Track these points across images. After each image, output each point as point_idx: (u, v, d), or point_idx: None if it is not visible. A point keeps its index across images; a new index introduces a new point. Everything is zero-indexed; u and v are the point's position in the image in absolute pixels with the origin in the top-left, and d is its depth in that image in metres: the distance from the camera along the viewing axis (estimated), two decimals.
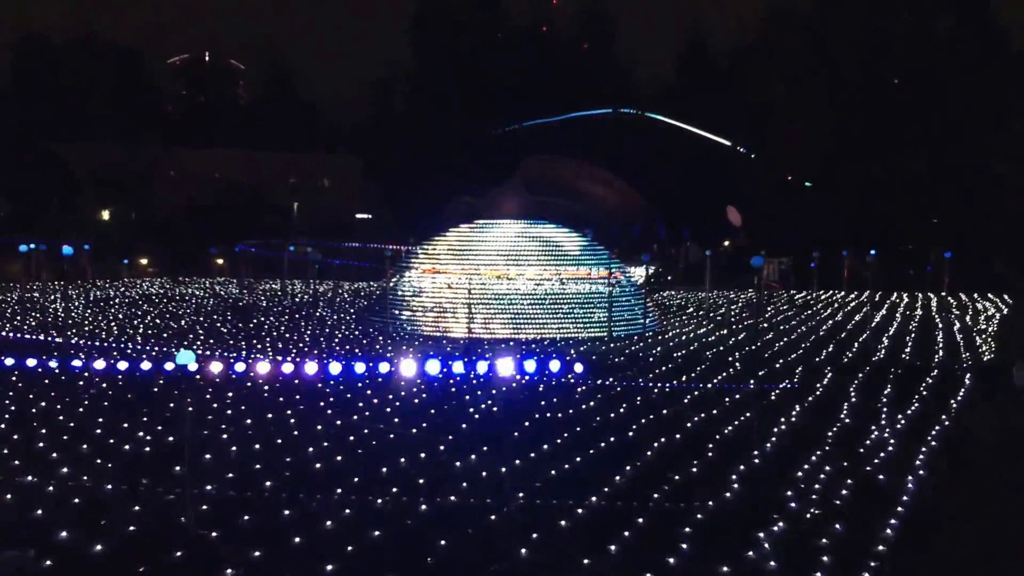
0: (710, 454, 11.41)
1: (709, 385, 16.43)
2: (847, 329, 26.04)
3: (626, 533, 8.45)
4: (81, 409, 13.60)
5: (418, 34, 74.12)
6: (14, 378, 15.62)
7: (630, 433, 12.50)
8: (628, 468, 10.66)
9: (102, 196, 59.67)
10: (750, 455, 11.27)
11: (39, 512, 8.86)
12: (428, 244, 26.28)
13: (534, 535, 8.37)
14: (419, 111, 69.33)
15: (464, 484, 9.95)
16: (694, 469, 10.71)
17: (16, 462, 10.55)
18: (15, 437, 11.75)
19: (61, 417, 13.00)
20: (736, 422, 13.26)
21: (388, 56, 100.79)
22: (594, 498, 9.49)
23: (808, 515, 9.04)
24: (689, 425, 13.06)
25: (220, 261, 47.85)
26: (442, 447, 11.58)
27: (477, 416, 13.51)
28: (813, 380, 17.00)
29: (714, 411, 14.06)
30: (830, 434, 12.54)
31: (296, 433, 12.25)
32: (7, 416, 13.00)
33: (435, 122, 66.56)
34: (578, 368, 16.55)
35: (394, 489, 9.71)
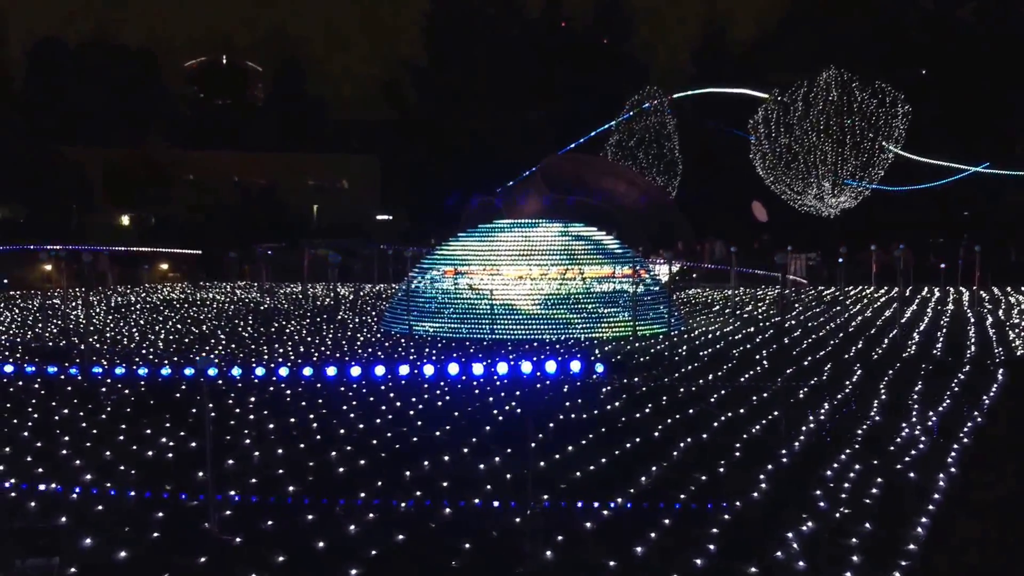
0: (737, 454, 11.26)
1: (735, 383, 16.24)
2: (876, 325, 25.73)
3: (652, 534, 8.33)
4: (104, 416, 13.63)
5: (432, 31, 74.23)
6: (36, 385, 15.71)
7: (655, 433, 12.37)
8: (654, 468, 10.53)
9: (119, 200, 60.14)
10: (778, 454, 11.11)
11: (63, 519, 8.85)
12: (448, 245, 26.20)
13: (559, 537, 8.26)
14: (434, 109, 69.33)
15: (488, 487, 9.86)
16: (721, 469, 10.57)
17: (39, 469, 10.57)
18: (38, 444, 11.78)
19: (84, 424, 13.03)
20: (763, 421, 13.09)
21: (402, 54, 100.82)
22: (619, 499, 9.37)
23: (837, 514, 8.87)
24: (715, 424, 12.91)
25: (241, 265, 48.09)
26: (465, 449, 11.49)
27: (500, 418, 13.42)
28: (842, 377, 16.78)
29: (740, 410, 13.89)
30: (859, 432, 12.34)
31: (319, 437, 12.21)
32: (30, 423, 13.04)
33: (451, 120, 66.57)
34: (600, 368, 16.41)
35: (417, 492, 9.64)
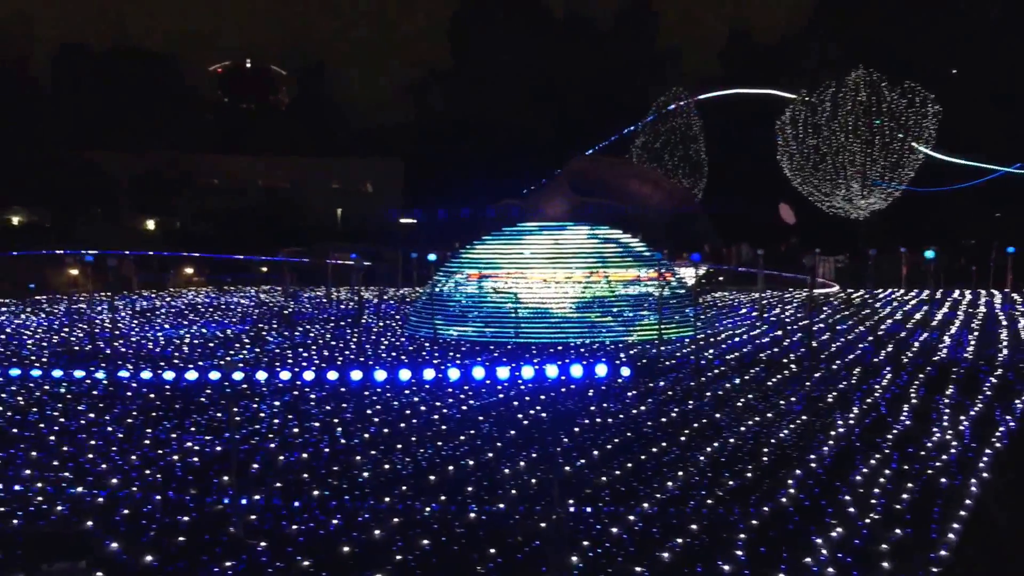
0: (765, 458, 11.12)
1: (763, 387, 16.08)
2: (906, 328, 25.42)
3: (679, 539, 8.23)
4: (129, 420, 13.70)
5: (457, 33, 74.38)
6: (62, 389, 15.84)
7: (682, 437, 12.25)
8: (680, 472, 10.43)
9: (143, 205, 60.66)
10: (807, 458, 10.96)
11: (89, 523, 8.88)
12: (472, 248, 26.17)
13: (585, 542, 8.18)
14: (458, 111, 69.45)
15: (513, 491, 9.80)
16: (748, 473, 10.45)
17: (65, 473, 10.63)
18: (64, 448, 11.86)
19: (109, 428, 13.10)
20: (792, 424, 12.93)
21: (427, 56, 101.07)
22: (646, 504, 9.27)
23: (867, 519, 8.73)
24: (743, 428, 12.77)
25: (264, 269, 48.32)
26: (490, 453, 11.44)
27: (526, 422, 13.35)
28: (872, 380, 16.57)
29: (768, 413, 13.74)
30: (890, 436, 12.16)
31: (343, 441, 12.21)
32: (56, 427, 13.13)
33: (476, 122, 66.65)
34: (625, 372, 16.29)
35: (442, 496, 9.60)
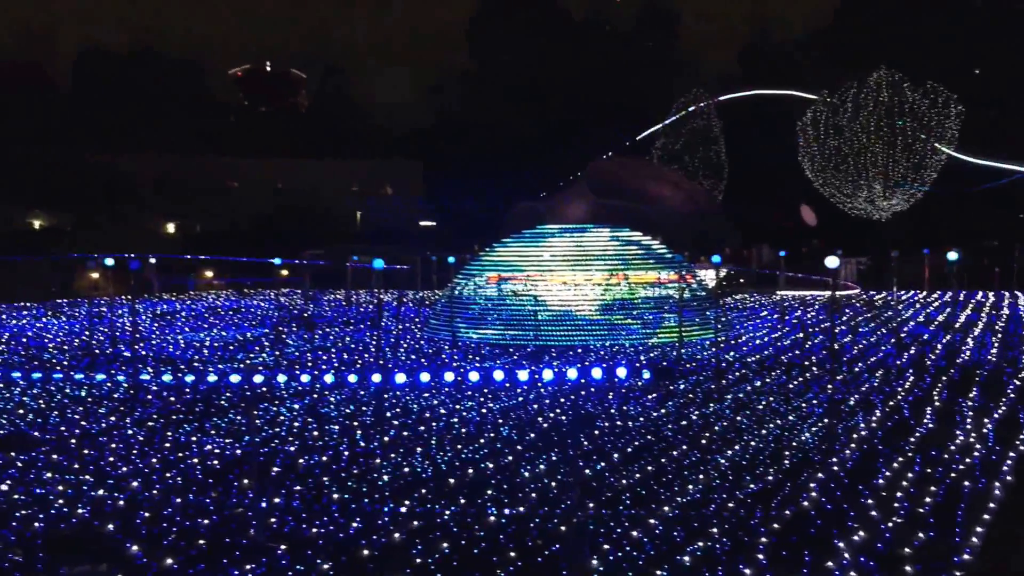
0: (787, 462, 11.03)
1: (785, 389, 15.97)
2: (929, 330, 25.19)
3: (700, 543, 8.17)
4: (150, 422, 13.76)
5: (476, 34, 74.39)
6: (83, 392, 15.94)
7: (703, 440, 12.18)
8: (701, 476, 10.36)
9: (166, 208, 61.00)
10: (829, 461, 10.86)
11: (110, 526, 8.92)
12: (492, 251, 26.15)
13: (606, 545, 8.14)
14: (477, 113, 69.45)
15: (533, 494, 9.76)
16: (770, 476, 10.37)
17: (87, 476, 10.69)
18: (85, 451, 11.92)
19: (130, 431, 13.17)
20: (814, 427, 12.83)
21: (445, 58, 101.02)
22: (666, 507, 9.22)
23: (890, 523, 8.64)
24: (764, 431, 12.68)
25: (284, 272, 48.44)
26: (510, 456, 11.40)
27: (546, 424, 13.31)
28: (895, 383, 16.42)
29: (790, 416, 13.64)
30: (913, 439, 12.04)
31: (363, 444, 12.21)
32: (77, 430, 13.21)
33: (494, 124, 66.63)
34: (646, 374, 16.24)
35: (462, 500, 9.58)
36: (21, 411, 14.58)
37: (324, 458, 11.45)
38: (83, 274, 41.59)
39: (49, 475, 10.72)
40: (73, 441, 12.53)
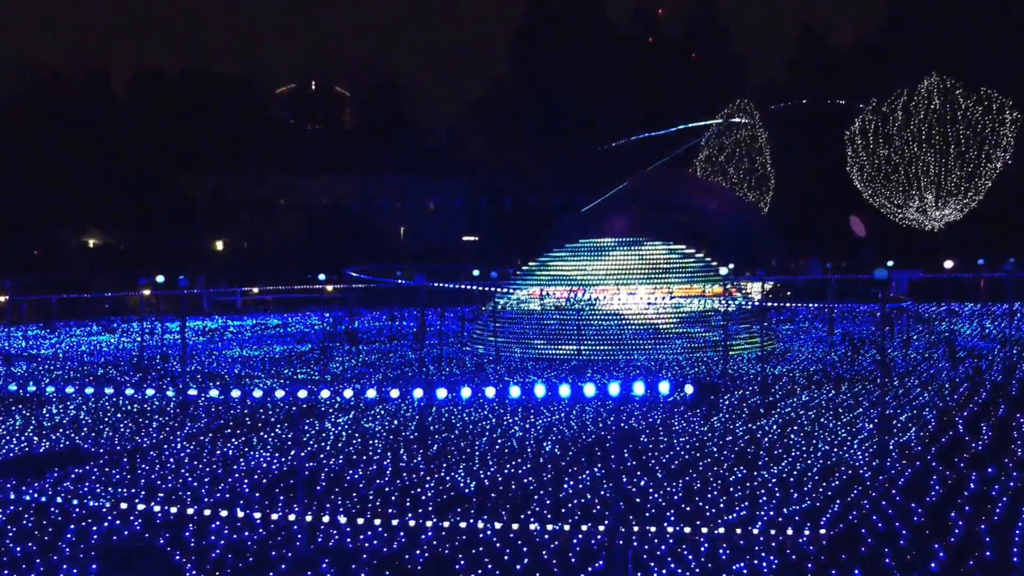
0: (836, 481, 10.82)
1: (834, 403, 15.70)
2: (985, 343, 24.62)
3: (741, 564, 8.04)
4: (199, 437, 13.93)
5: (521, 48, 74.60)
6: (133, 407, 16.20)
7: (748, 456, 12.01)
8: (747, 491, 10.21)
9: (220, 226, 61.88)
10: (878, 480, 10.65)
11: (159, 540, 9.02)
12: (534, 265, 26.11)
13: (651, 564, 8.05)
14: (525, 126, 69.55)
15: (578, 512, 9.70)
16: (817, 494, 10.18)
17: (135, 490, 10.83)
18: (136, 465, 12.08)
19: (177, 445, 13.33)
20: (864, 445, 12.59)
21: (490, 74, 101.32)
22: (711, 524, 9.09)
23: (944, 542, 8.43)
24: (811, 449, 12.45)
25: (329, 288, 48.76)
26: (553, 471, 11.35)
27: (589, 440, 13.22)
28: (949, 398, 16.06)
29: (839, 433, 13.40)
30: (966, 455, 11.76)
31: (406, 458, 12.23)
32: (128, 445, 13.39)
33: (539, 137, 66.72)
34: (689, 389, 16.05)
35: (504, 514, 9.55)
36: (75, 425, 14.86)
37: (369, 471, 11.48)
38: (136, 292, 42.26)
39: (98, 488, 10.89)
40: (125, 459, 12.71)
